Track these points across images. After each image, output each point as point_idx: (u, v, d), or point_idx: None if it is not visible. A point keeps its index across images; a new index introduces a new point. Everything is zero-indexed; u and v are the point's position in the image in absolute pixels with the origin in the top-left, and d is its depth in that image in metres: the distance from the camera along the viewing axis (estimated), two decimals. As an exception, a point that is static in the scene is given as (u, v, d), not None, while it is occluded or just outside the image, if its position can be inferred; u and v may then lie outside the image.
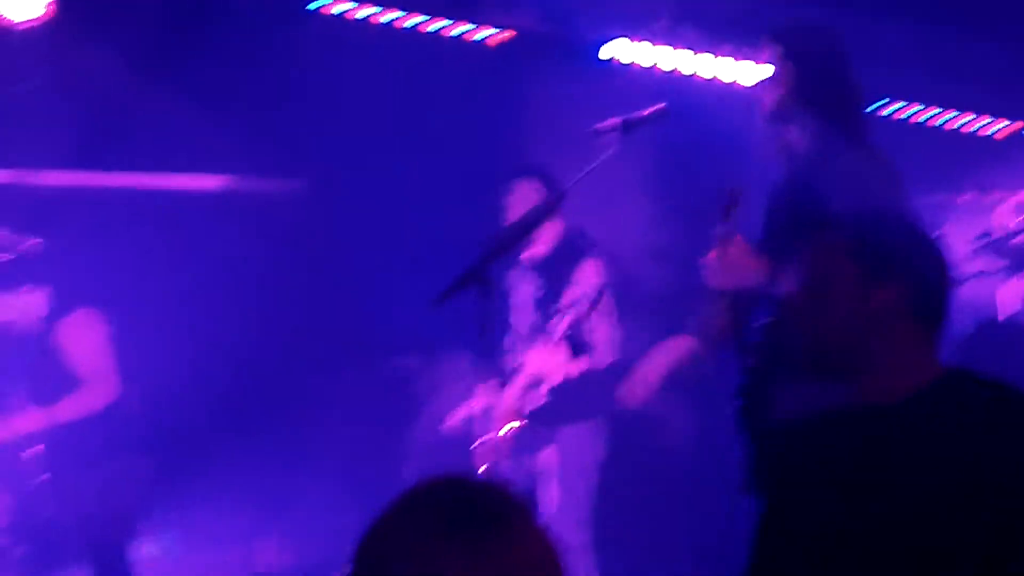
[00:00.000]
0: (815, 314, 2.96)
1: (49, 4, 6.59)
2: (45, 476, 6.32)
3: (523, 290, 6.52)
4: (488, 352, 6.10)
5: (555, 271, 6.36)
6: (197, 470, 7.04)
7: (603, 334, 6.38)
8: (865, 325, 2.91)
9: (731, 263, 4.38)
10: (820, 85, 4.60)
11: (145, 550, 6.78)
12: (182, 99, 7.17)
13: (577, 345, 6.17)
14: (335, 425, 7.55)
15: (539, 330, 6.27)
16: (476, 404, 7.43)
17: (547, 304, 6.23)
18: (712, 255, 4.41)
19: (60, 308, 6.28)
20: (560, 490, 6.37)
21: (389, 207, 7.71)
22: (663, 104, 4.69)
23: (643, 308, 6.95)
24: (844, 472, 2.89)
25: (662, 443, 7.72)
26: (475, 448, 6.13)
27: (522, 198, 6.40)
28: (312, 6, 7.42)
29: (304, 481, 7.33)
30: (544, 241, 6.50)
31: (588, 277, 6.24)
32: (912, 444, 2.83)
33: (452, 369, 7.53)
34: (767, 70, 4.72)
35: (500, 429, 6.11)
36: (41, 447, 6.27)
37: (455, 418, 7.44)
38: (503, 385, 6.30)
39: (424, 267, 6.51)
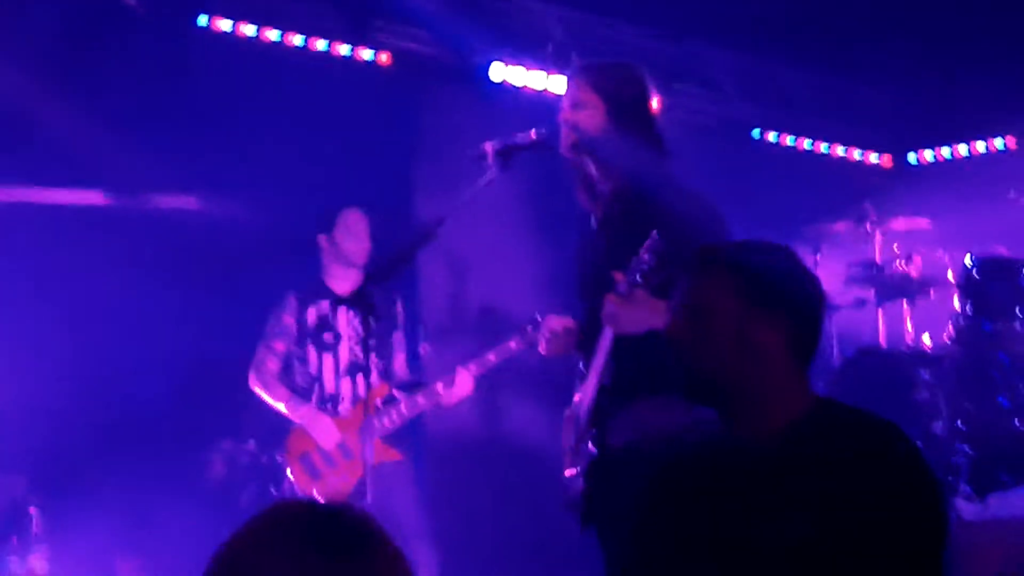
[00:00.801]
0: (696, 347, 2.99)
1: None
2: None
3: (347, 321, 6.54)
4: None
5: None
6: (65, 488, 6.96)
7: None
8: (745, 360, 2.95)
9: (634, 309, 4.31)
10: (625, 116, 4.55)
11: (11, 566, 6.70)
12: (67, 112, 7.08)
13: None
14: (202, 446, 7.50)
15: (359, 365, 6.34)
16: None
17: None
18: (614, 299, 4.34)
19: None
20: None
21: (275, 225, 7.68)
22: (542, 129, 4.70)
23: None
24: (720, 502, 2.94)
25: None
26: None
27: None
28: (202, 22, 7.44)
29: (170, 502, 7.26)
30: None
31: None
32: (784, 476, 2.88)
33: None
34: (574, 102, 4.64)
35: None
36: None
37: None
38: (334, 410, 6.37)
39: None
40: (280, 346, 6.53)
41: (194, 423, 7.46)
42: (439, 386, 6.20)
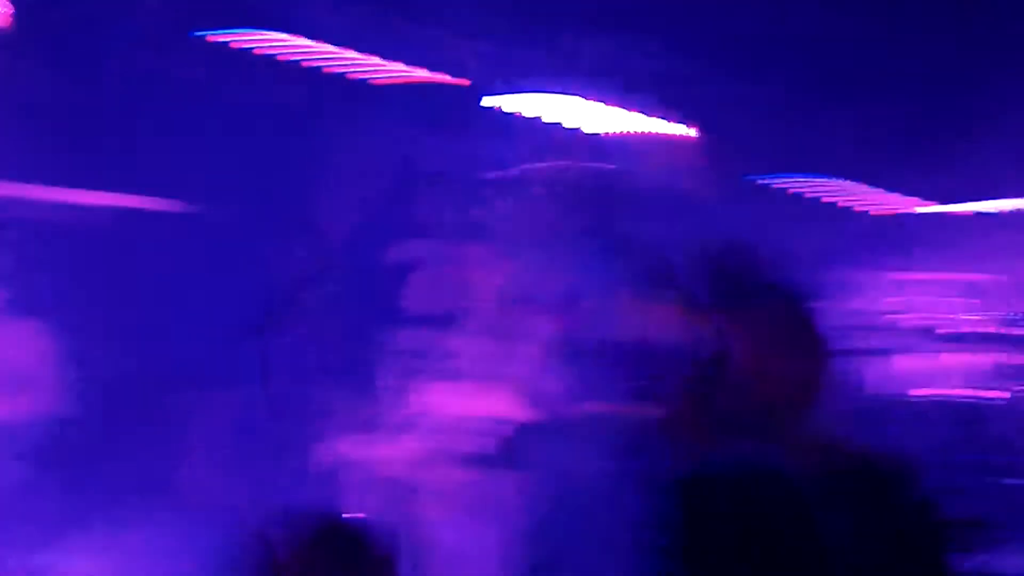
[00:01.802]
0: (766, 379, 3.06)
1: None
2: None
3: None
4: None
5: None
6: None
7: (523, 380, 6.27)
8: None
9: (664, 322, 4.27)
10: None
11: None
12: (64, 117, 6.99)
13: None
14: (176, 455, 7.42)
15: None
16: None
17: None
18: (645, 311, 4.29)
19: None
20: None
21: (261, 238, 7.62)
22: (555, 158, 4.65)
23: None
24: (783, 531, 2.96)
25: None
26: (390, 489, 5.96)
27: None
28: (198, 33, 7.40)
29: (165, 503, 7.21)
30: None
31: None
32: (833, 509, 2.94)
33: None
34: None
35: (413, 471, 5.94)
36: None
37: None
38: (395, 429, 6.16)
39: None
40: None
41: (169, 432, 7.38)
42: None
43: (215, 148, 7.40)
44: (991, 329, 7.40)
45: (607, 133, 8.05)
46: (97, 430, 7.29)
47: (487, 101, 7.92)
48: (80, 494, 7.01)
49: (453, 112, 7.87)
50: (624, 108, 8.10)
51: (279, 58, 7.55)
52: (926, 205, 9.93)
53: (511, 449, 6.02)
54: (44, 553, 6.57)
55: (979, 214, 9.56)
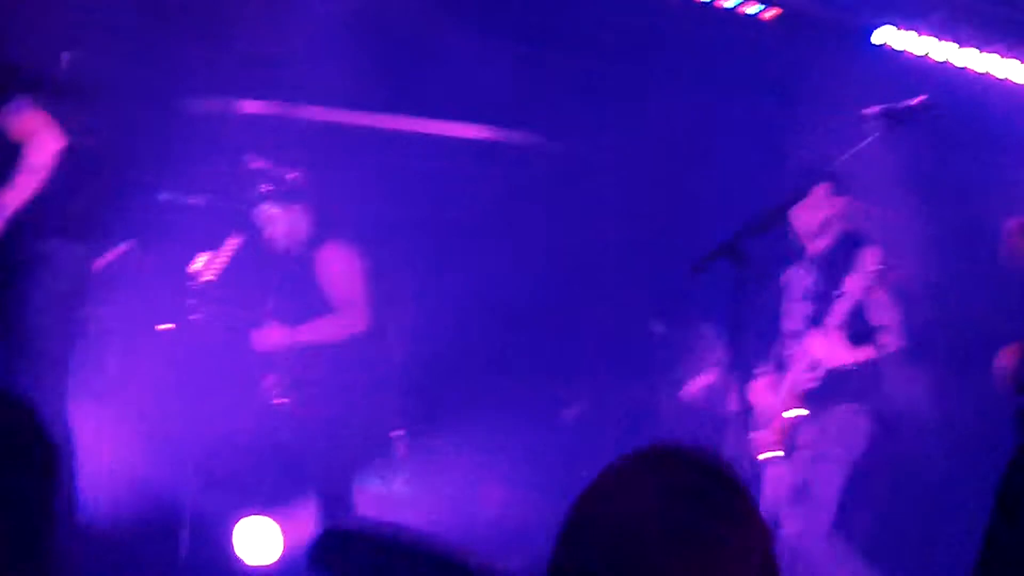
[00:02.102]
0: None
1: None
2: (283, 400, 6.54)
3: (801, 282, 6.36)
4: (737, 325, 5.96)
5: (835, 263, 6.15)
6: (435, 411, 7.17)
7: (883, 320, 6.19)
8: None
9: None
10: None
11: (371, 485, 6.94)
12: (457, 46, 7.24)
13: (857, 333, 6.03)
14: (577, 381, 7.59)
15: (814, 321, 6.06)
16: (708, 378, 7.41)
17: (825, 296, 6.06)
18: None
19: (319, 237, 6.50)
20: (817, 476, 6.11)
21: (654, 175, 7.69)
22: (926, 96, 4.60)
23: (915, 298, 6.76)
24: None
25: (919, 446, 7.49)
26: (754, 433, 6.05)
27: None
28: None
29: (543, 434, 7.38)
30: (827, 235, 6.29)
31: (867, 264, 6.01)
32: None
33: (699, 340, 7.51)
34: None
35: (781, 414, 6.02)
36: (280, 372, 6.50)
37: (694, 387, 7.46)
38: (779, 371, 6.20)
39: (683, 238, 6.56)
40: None
41: (571, 358, 7.56)
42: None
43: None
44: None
45: (972, 72, 7.80)
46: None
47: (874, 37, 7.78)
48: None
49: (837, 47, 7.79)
50: (987, 50, 7.82)
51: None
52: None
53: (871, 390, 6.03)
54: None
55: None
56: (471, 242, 7.51)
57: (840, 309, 5.82)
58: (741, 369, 6.64)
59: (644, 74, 7.44)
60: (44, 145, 5.24)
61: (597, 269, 7.71)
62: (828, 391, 5.99)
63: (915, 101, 4.61)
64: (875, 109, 4.68)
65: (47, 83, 5.45)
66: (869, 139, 4.59)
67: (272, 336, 6.48)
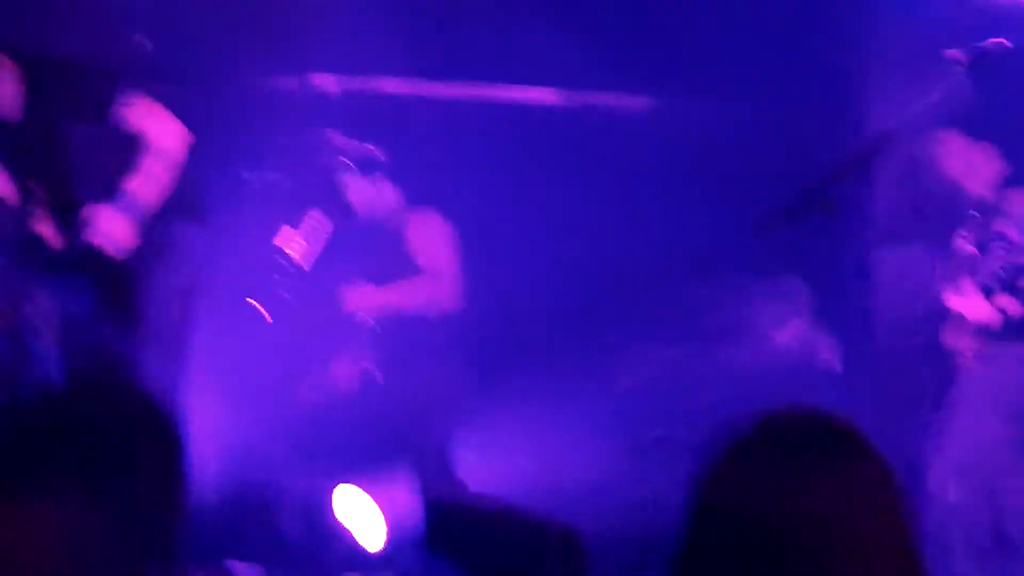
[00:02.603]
0: None
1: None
2: (374, 369, 6.59)
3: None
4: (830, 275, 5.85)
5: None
6: (521, 379, 7.18)
7: None
8: None
9: None
10: None
11: (463, 453, 6.97)
12: (526, 10, 7.23)
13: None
14: (649, 343, 7.56)
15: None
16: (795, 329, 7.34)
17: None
18: None
19: (406, 205, 6.57)
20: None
21: (722, 132, 7.63)
22: (1004, 40, 4.52)
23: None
24: None
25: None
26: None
27: None
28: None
29: (611, 400, 7.37)
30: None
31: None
32: None
33: (772, 295, 7.45)
34: None
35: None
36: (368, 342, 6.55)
37: (783, 338, 7.38)
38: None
39: (758, 187, 6.50)
40: None
41: (643, 319, 7.53)
42: None
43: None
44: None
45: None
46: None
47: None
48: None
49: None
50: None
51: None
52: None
53: None
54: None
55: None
56: (546, 208, 7.49)
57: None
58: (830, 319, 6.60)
59: (721, 36, 7.36)
60: (170, 134, 5.26)
61: (672, 222, 7.65)
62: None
63: (1001, 45, 4.52)
64: (956, 53, 4.60)
65: (125, 69, 5.50)
66: (953, 85, 4.52)
67: (363, 295, 6.51)
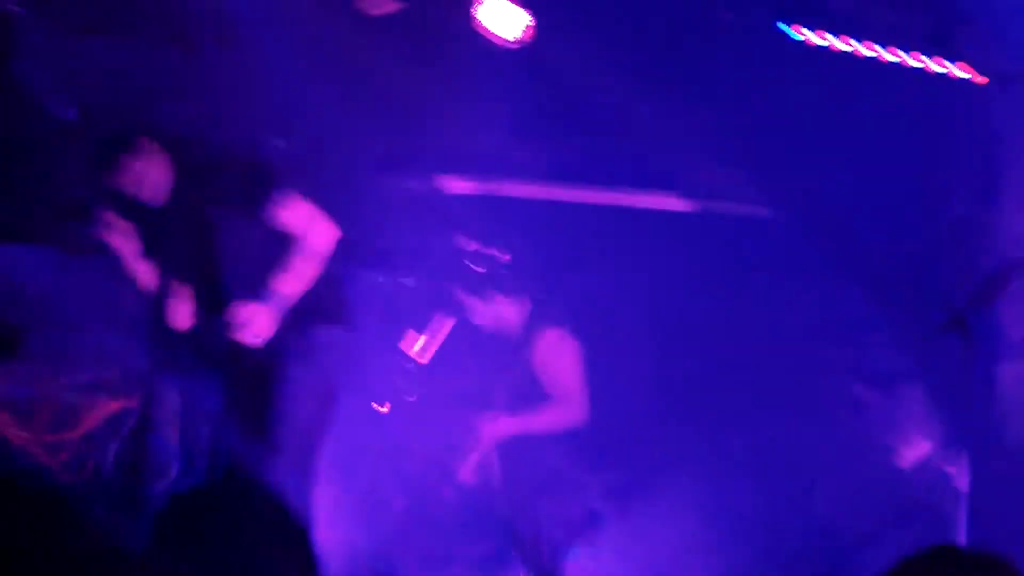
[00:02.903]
0: None
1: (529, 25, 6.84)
2: (498, 475, 6.59)
3: None
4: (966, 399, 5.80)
5: None
6: (642, 479, 7.17)
7: None
8: None
9: None
10: None
11: (581, 554, 6.95)
12: (657, 117, 7.28)
13: None
14: (786, 443, 7.53)
15: None
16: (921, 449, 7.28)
17: None
18: None
19: (532, 323, 6.53)
20: None
21: (857, 237, 7.62)
22: None
23: None
24: None
25: None
26: None
27: None
28: (783, 27, 7.45)
29: (746, 497, 7.33)
30: None
31: None
32: None
33: (913, 405, 7.39)
34: None
35: None
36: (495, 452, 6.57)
37: (909, 456, 7.30)
38: None
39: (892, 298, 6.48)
40: None
41: (778, 420, 7.52)
42: None
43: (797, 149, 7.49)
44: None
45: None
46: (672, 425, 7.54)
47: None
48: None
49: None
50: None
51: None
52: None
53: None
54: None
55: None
56: (679, 310, 7.52)
57: None
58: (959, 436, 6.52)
59: (852, 142, 7.37)
60: (320, 233, 5.28)
61: (800, 329, 7.63)
62: None
63: None
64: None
65: (274, 167, 5.55)
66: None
67: (496, 427, 6.48)
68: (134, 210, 5.42)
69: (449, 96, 7.17)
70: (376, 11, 6.83)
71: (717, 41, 7.38)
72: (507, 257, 6.59)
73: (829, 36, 7.53)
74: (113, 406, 6.69)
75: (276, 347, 5.31)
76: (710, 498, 7.13)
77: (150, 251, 5.50)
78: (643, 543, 7.00)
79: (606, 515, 6.92)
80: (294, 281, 5.24)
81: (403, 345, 6.50)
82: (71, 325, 6.93)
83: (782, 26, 7.47)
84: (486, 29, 6.92)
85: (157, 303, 5.51)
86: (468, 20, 6.96)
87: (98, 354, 6.81)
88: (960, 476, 5.77)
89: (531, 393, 6.54)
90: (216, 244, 5.34)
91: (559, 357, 6.48)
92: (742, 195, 7.94)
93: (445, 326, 6.50)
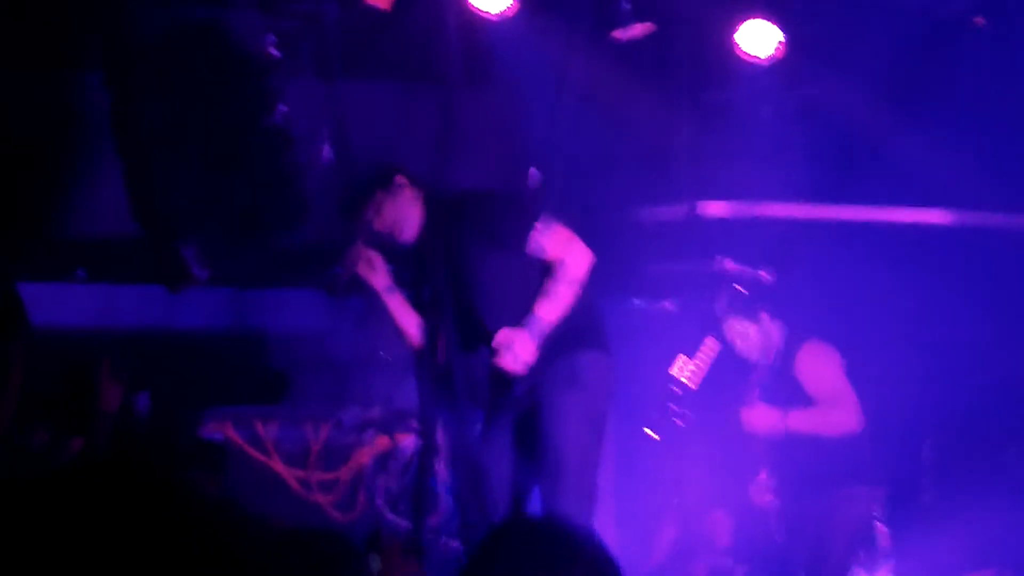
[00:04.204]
0: None
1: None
2: (772, 499, 6.45)
3: None
4: None
5: None
6: (909, 500, 6.96)
7: None
8: None
9: None
10: None
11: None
12: (914, 129, 7.08)
13: None
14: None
15: None
16: None
17: None
18: None
19: (794, 339, 6.41)
20: None
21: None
22: None
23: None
24: None
25: None
26: None
27: None
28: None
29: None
30: None
31: None
32: None
33: None
34: None
35: None
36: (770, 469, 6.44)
37: None
38: None
39: None
40: None
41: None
42: None
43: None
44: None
45: None
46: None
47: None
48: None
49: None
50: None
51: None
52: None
53: None
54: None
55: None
56: (937, 329, 7.32)
57: None
58: None
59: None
60: (581, 259, 5.32)
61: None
62: None
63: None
64: None
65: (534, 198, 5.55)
66: None
67: (763, 416, 6.36)
68: (392, 249, 5.48)
69: (703, 120, 7.14)
70: (624, 36, 6.82)
71: (970, 47, 7.18)
72: (771, 277, 6.49)
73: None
74: (382, 444, 6.83)
75: (540, 375, 5.28)
76: (991, 517, 6.89)
77: (410, 288, 5.57)
78: (913, 558, 6.81)
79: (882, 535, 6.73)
80: (554, 307, 5.23)
81: (673, 370, 6.41)
82: (340, 365, 7.10)
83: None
84: (740, 49, 6.85)
85: (420, 340, 5.56)
86: (719, 41, 6.91)
87: (366, 393, 6.96)
88: None
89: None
90: (475, 277, 5.36)
91: (824, 364, 6.36)
92: (1008, 206, 7.69)
93: (714, 350, 6.40)
